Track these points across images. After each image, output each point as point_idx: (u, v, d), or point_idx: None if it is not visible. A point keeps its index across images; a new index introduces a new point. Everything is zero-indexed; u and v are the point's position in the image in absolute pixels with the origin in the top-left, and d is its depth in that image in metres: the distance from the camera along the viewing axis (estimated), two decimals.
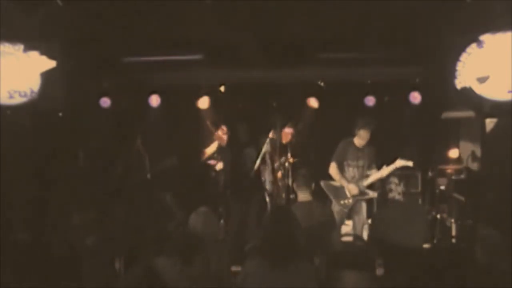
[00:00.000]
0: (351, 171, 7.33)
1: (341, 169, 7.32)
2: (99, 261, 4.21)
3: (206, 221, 4.74)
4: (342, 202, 7.24)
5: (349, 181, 7.27)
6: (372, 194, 7.34)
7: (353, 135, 7.33)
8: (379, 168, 7.28)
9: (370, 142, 7.34)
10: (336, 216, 7.19)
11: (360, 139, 7.27)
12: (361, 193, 7.26)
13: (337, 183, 7.30)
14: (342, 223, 7.25)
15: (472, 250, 4.02)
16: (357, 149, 7.30)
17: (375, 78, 8.71)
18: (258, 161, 7.77)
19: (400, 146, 8.55)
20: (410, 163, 7.22)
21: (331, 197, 7.31)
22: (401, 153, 7.45)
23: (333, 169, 7.32)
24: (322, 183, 7.26)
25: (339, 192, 7.28)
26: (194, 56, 8.20)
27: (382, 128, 7.90)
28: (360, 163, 7.33)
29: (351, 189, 7.22)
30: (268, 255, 3.87)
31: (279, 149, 8.85)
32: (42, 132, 7.79)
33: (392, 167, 7.17)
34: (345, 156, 7.30)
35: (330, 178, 7.39)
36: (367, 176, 7.32)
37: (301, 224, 4.16)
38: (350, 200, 7.23)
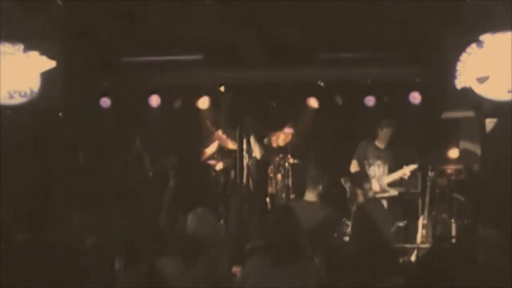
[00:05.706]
0: (371, 170, 7.36)
1: (362, 168, 7.35)
2: (99, 261, 4.20)
3: (203, 221, 4.74)
4: None
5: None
6: (393, 192, 7.35)
7: (373, 136, 7.39)
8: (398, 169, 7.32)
9: (388, 145, 7.42)
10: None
11: (381, 139, 7.36)
12: (382, 190, 7.26)
13: None
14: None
15: (472, 250, 4.01)
16: (378, 149, 7.39)
17: (375, 78, 8.71)
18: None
19: (400, 146, 8.53)
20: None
21: None
22: (401, 153, 7.47)
23: (354, 166, 7.38)
24: (342, 180, 7.20)
25: None
26: (194, 56, 8.21)
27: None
28: (381, 162, 7.37)
29: (373, 186, 7.21)
30: (269, 255, 3.87)
31: (279, 149, 8.86)
32: (42, 132, 7.79)
33: (412, 167, 7.20)
34: (366, 155, 7.38)
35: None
36: (389, 174, 7.33)
37: (303, 223, 4.15)
38: None
